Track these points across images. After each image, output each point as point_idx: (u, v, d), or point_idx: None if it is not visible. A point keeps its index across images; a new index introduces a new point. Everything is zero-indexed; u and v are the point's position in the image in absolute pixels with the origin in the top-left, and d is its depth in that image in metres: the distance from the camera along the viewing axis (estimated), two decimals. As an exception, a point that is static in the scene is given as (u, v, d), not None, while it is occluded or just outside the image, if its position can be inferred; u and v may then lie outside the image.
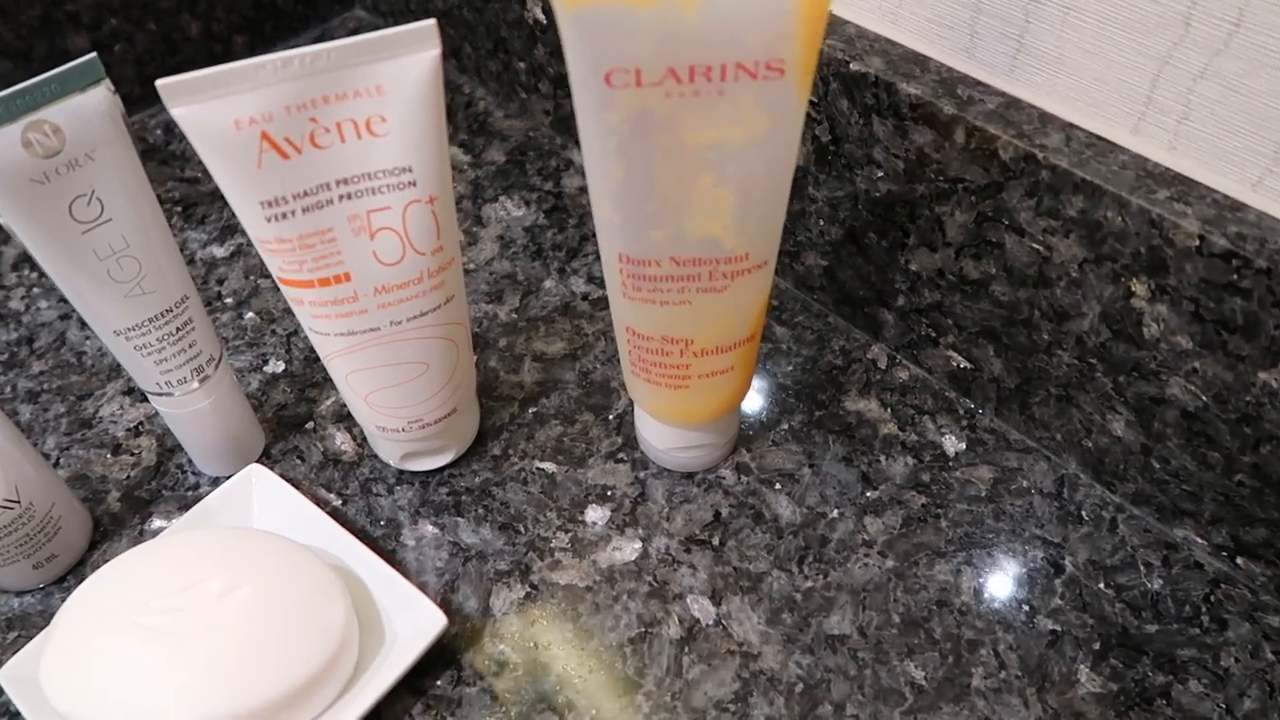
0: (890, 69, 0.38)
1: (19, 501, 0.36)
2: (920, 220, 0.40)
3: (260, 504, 0.39)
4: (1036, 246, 0.37)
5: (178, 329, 0.37)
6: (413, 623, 0.35)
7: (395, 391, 0.38)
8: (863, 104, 0.39)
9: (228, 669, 0.32)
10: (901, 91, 0.38)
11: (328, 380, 0.46)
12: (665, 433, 0.40)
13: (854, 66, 0.39)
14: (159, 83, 0.30)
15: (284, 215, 0.32)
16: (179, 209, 0.55)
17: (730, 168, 0.30)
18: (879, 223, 0.42)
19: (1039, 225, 0.36)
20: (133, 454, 0.44)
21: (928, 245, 0.41)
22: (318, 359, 0.47)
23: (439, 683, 0.36)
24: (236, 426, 0.41)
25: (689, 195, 0.30)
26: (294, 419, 0.45)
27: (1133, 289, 0.35)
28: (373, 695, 0.33)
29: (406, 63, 0.31)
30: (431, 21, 0.31)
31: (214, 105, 0.30)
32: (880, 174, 0.41)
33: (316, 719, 0.33)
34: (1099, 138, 0.35)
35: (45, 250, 0.33)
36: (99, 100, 0.32)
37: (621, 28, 0.27)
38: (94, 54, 0.31)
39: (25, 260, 0.52)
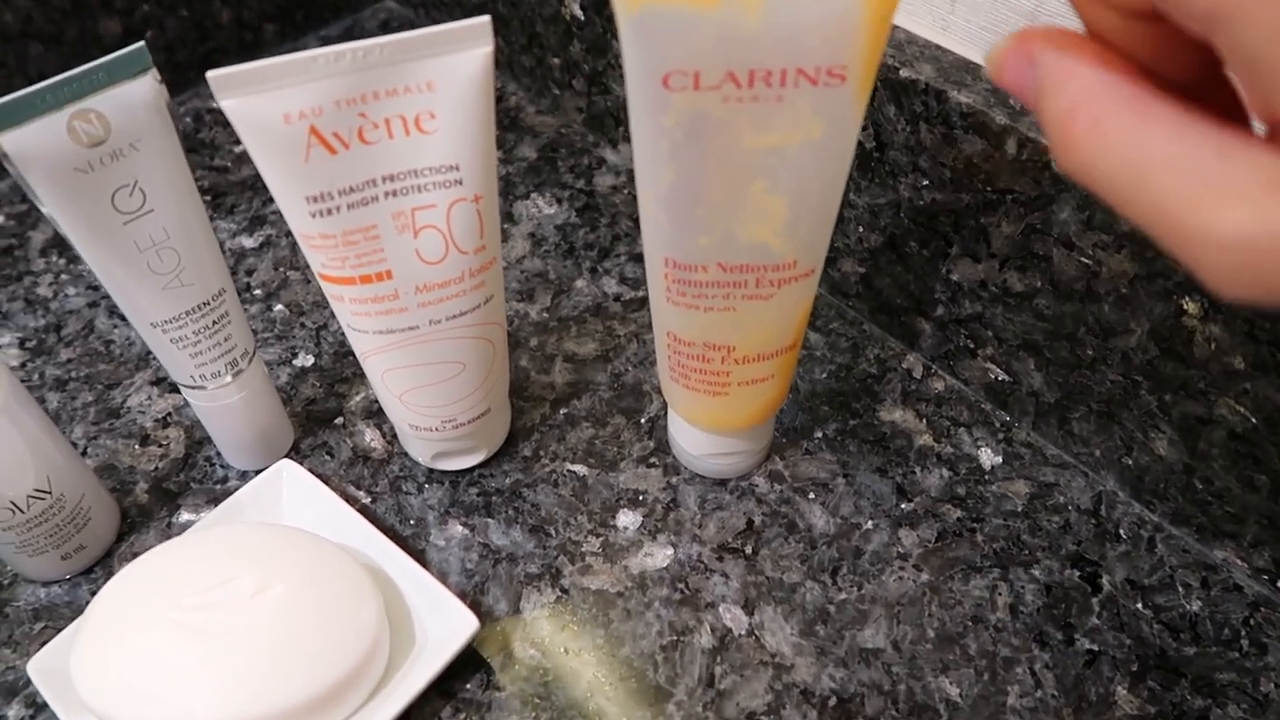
0: (941, 76, 0.38)
1: (50, 492, 0.36)
2: (965, 230, 0.40)
3: (290, 500, 0.39)
4: (1086, 261, 0.36)
5: (214, 322, 0.36)
6: (444, 624, 0.35)
7: (431, 390, 0.37)
8: (911, 111, 0.39)
9: (259, 669, 0.31)
10: (952, 100, 0.37)
11: (357, 376, 0.46)
12: (701, 439, 0.39)
13: (904, 73, 0.38)
14: (210, 74, 0.29)
15: (329, 211, 0.32)
16: (208, 199, 0.54)
17: (784, 174, 0.29)
18: (921, 231, 0.42)
19: (1089, 239, 0.36)
20: (161, 445, 0.43)
21: (971, 256, 0.40)
22: (347, 354, 0.47)
23: (468, 686, 0.35)
24: (267, 421, 0.41)
25: (740, 201, 0.30)
26: (323, 414, 0.44)
27: (1185, 307, 0.34)
28: (404, 698, 0.33)
29: (459, 59, 0.31)
30: (485, 18, 0.31)
31: (264, 98, 0.30)
32: (925, 182, 0.40)
33: (347, 719, 0.33)
34: (1154, 153, 0.34)
35: (86, 240, 0.32)
36: (145, 90, 0.31)
37: (682, 30, 0.26)
38: (141, 43, 0.31)
39: (54, 246, 0.52)
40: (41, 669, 0.34)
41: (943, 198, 0.40)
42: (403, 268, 0.33)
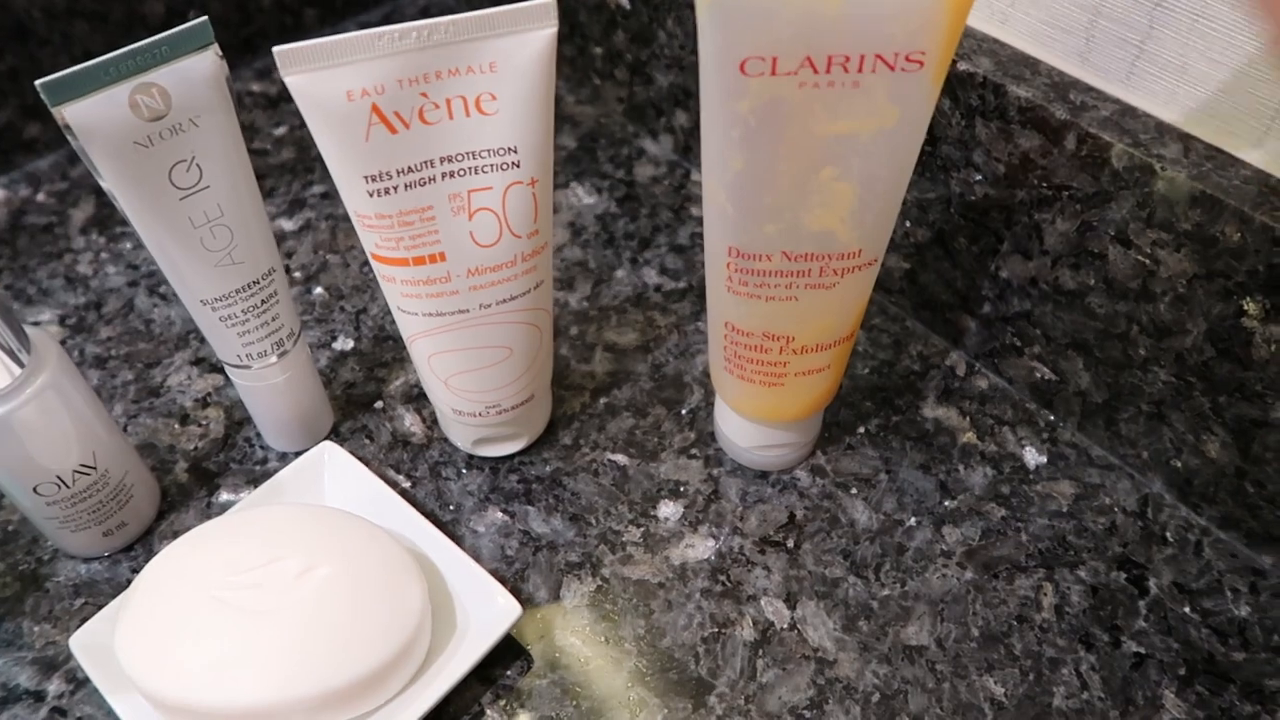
0: (999, 70, 0.37)
1: (95, 468, 0.36)
2: (1017, 227, 0.40)
3: (331, 482, 0.39)
4: (1143, 259, 0.36)
5: (263, 301, 0.36)
6: (486, 610, 0.35)
7: (477, 375, 0.37)
8: (967, 105, 0.38)
9: (304, 650, 0.31)
10: (1011, 94, 0.37)
11: (397, 360, 0.46)
12: (750, 430, 0.39)
13: (961, 66, 0.38)
14: (276, 50, 0.29)
15: (386, 191, 0.32)
16: (247, 180, 0.54)
17: (855, 160, 0.29)
18: (971, 227, 0.41)
19: (1148, 238, 0.35)
20: (200, 425, 0.43)
21: (1022, 252, 0.40)
22: (387, 338, 0.46)
23: (509, 672, 0.35)
24: (309, 403, 0.41)
25: (808, 188, 0.30)
26: (363, 398, 0.44)
27: (1245, 308, 0.34)
28: (446, 683, 0.33)
29: (522, 40, 0.30)
30: (551, 0, 0.30)
31: (328, 75, 0.29)
32: (978, 177, 0.40)
33: (389, 703, 0.33)
34: (1219, 150, 0.34)
35: (142, 214, 0.32)
36: (207, 65, 0.31)
37: (762, 15, 0.26)
38: (204, 18, 0.31)
39: (94, 225, 0.52)
40: (83, 644, 0.34)
41: (996, 193, 0.39)
42: (456, 250, 0.33)
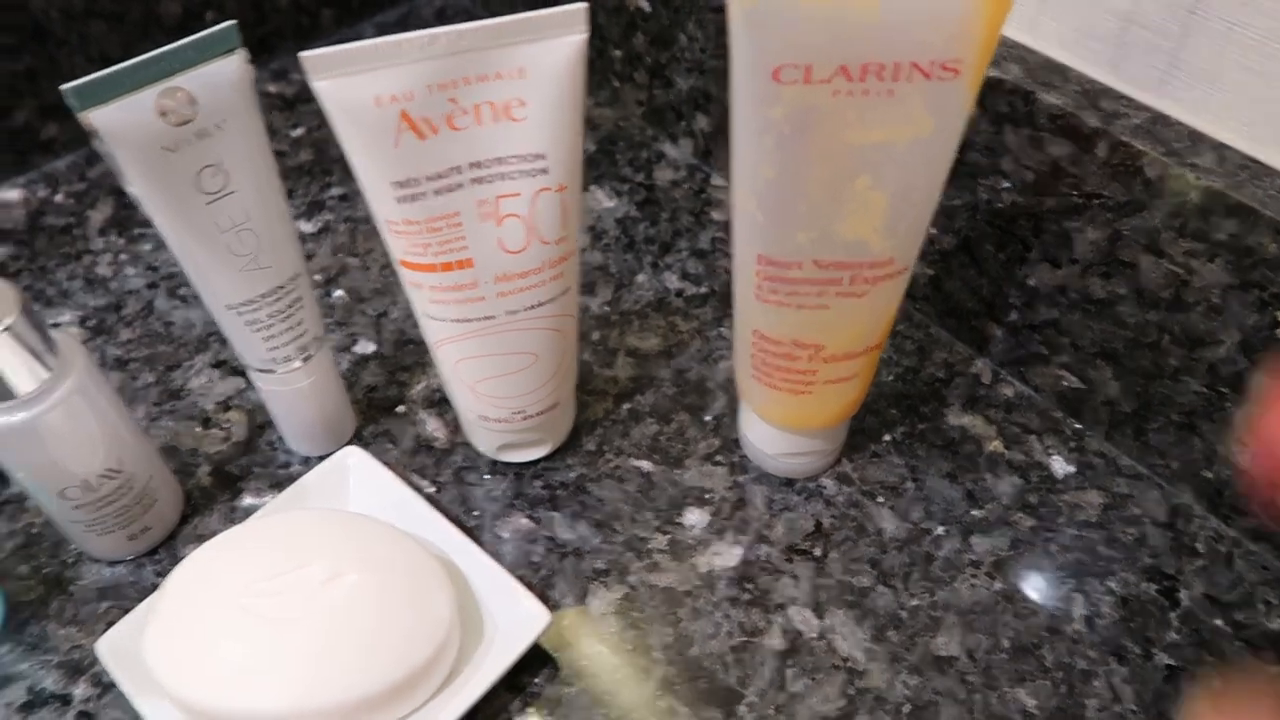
0: (1029, 77, 0.37)
1: (120, 471, 0.36)
2: (1046, 235, 0.39)
3: (356, 487, 0.39)
4: (1176, 269, 0.35)
5: (288, 306, 0.36)
6: (514, 616, 0.35)
7: (503, 381, 0.37)
8: (995, 112, 0.38)
9: (331, 658, 0.31)
10: (1041, 101, 0.36)
11: (419, 364, 0.45)
12: (777, 437, 0.39)
13: (990, 73, 0.37)
14: (304, 55, 0.29)
15: (415, 197, 0.31)
16: (266, 181, 0.54)
17: (889, 169, 0.29)
18: (998, 235, 0.41)
19: (1181, 247, 0.35)
20: (223, 428, 0.43)
21: (1051, 261, 0.40)
22: (408, 342, 0.46)
23: (536, 680, 0.35)
24: (332, 407, 0.41)
25: (841, 197, 0.29)
26: (384, 402, 0.44)
27: (1281, 318, 0.33)
28: (475, 691, 0.33)
29: (551, 46, 0.30)
30: (582, 5, 0.30)
31: (356, 80, 0.29)
32: (1006, 185, 0.39)
33: (417, 711, 0.33)
34: (1254, 160, 0.34)
35: (168, 219, 0.32)
36: (234, 69, 0.31)
37: (798, 22, 0.26)
38: (232, 22, 0.31)
39: (112, 226, 0.52)
40: (110, 648, 0.34)
41: (1024, 201, 0.39)
42: (484, 256, 0.33)
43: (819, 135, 0.28)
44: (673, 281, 0.49)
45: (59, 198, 0.54)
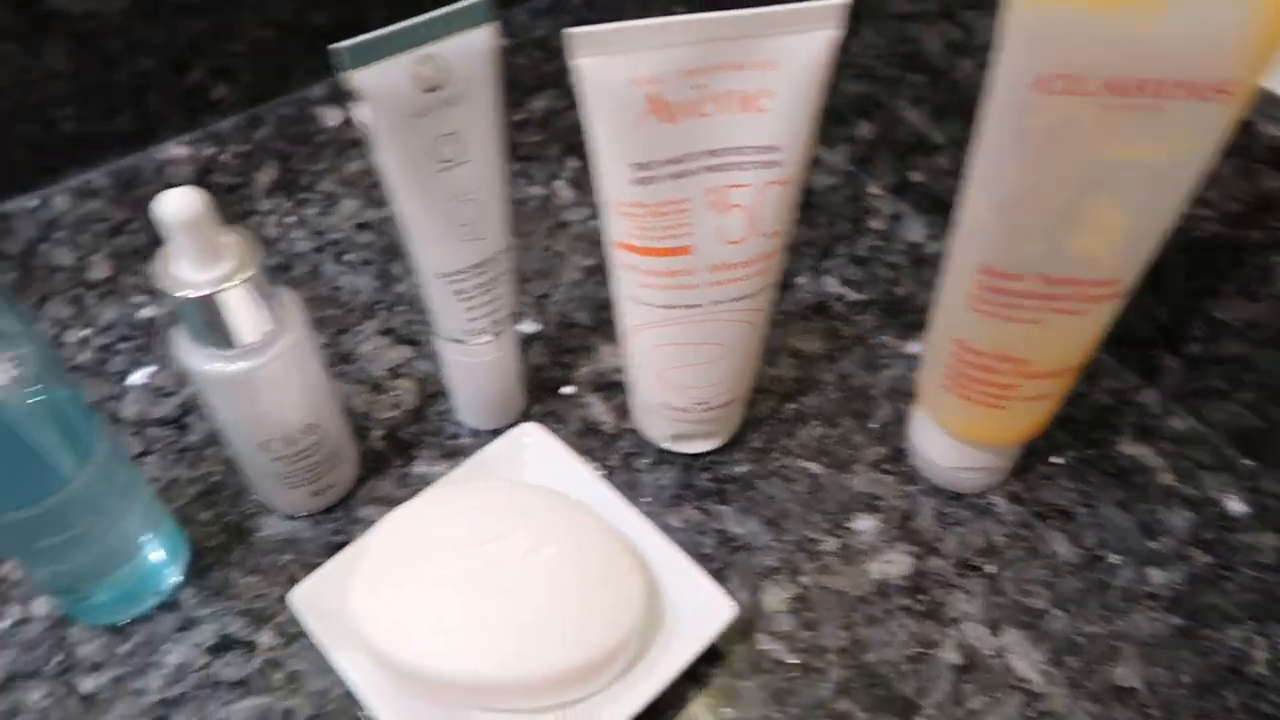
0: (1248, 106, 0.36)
1: (319, 427, 0.36)
2: (1245, 267, 0.38)
3: (533, 464, 0.39)
4: (1399, 312, 0.35)
5: (492, 279, 0.36)
6: (696, 607, 0.35)
7: (693, 370, 0.37)
8: (1212, 139, 0.37)
9: (535, 630, 0.31)
10: (1260, 132, 0.36)
11: (584, 347, 0.46)
12: (955, 450, 0.38)
13: (1214, 99, 0.37)
14: (571, 31, 0.29)
15: (649, 180, 0.32)
16: (428, 156, 0.55)
17: (1135, 187, 0.28)
18: (1190, 264, 0.40)
19: None
20: (393, 395, 0.44)
21: (1246, 294, 0.39)
22: (572, 324, 0.47)
23: (713, 672, 0.35)
24: (510, 384, 0.41)
25: (1082, 212, 0.29)
26: (550, 382, 0.44)
27: None
28: (661, 679, 0.33)
29: (804, 40, 0.30)
30: (840, 1, 0.30)
31: (615, 60, 0.29)
32: (1208, 214, 0.39)
33: (600, 693, 0.33)
34: None
35: (404, 184, 0.32)
36: (484, 40, 0.31)
37: (1074, 32, 0.26)
38: (489, -7, 0.31)
39: (279, 188, 0.53)
40: (303, 601, 0.34)
41: (1226, 232, 0.38)
42: (704, 244, 0.33)
43: (1074, 147, 0.28)
44: (833, 286, 0.49)
45: (225, 157, 0.55)
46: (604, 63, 0.29)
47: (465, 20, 0.31)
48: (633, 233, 0.33)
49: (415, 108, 0.31)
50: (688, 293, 0.34)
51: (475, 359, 0.39)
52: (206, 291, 0.31)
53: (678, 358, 0.37)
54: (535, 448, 0.39)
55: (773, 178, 0.32)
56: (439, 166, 0.32)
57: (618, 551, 0.34)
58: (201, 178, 0.53)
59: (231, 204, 0.52)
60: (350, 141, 0.55)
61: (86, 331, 0.47)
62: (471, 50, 0.31)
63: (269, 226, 0.51)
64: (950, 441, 0.38)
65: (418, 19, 0.30)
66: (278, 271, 0.49)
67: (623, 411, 0.43)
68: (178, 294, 0.31)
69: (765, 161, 0.32)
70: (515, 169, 0.54)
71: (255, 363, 0.33)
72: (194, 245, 0.30)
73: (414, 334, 0.46)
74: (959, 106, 0.47)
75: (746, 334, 0.37)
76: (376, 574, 0.32)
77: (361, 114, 0.30)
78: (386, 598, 0.32)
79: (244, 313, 0.32)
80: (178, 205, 0.29)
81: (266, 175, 0.53)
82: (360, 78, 0.29)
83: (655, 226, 0.33)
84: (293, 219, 0.51)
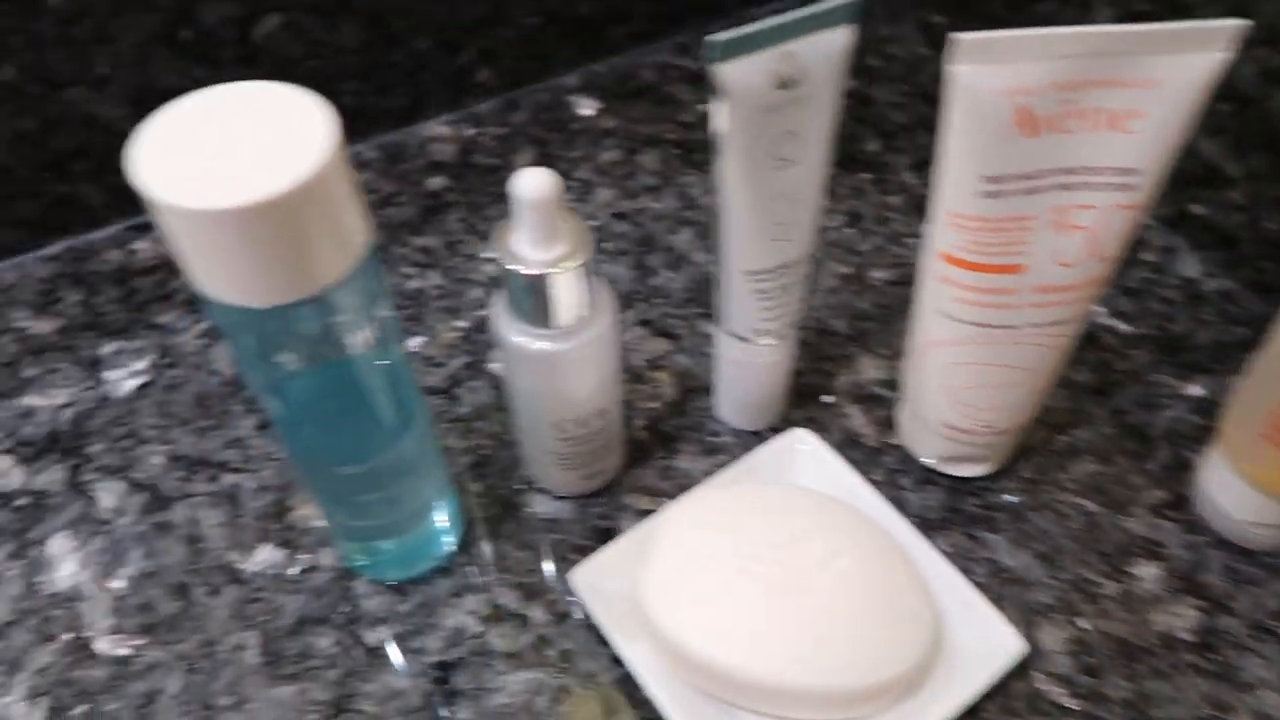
0: None
1: (607, 413, 0.37)
2: None
3: (804, 470, 0.38)
4: None
5: (793, 282, 0.36)
6: (981, 639, 0.34)
7: (989, 392, 0.36)
8: None
9: (827, 643, 0.31)
10: None
11: (842, 356, 0.45)
12: (1260, 505, 0.36)
13: None
14: (958, 36, 0.28)
15: (998, 194, 0.31)
16: (676, 151, 0.55)
17: None
18: None
19: None
20: (653, 387, 0.44)
21: None
22: (829, 331, 0.46)
23: (987, 705, 0.34)
24: (780, 388, 0.41)
25: None
26: (808, 389, 0.44)
27: None
28: (944, 711, 0.32)
29: (1189, 61, 0.29)
30: (1234, 22, 0.28)
31: (992, 70, 0.29)
32: None
33: (878, 717, 0.32)
34: None
35: (738, 178, 0.32)
36: (841, 42, 0.31)
37: None
38: (856, -7, 0.30)
39: (537, 172, 0.54)
40: (585, 582, 0.35)
41: None
42: (1036, 265, 0.32)
43: None
44: (1102, 317, 0.47)
45: (484, 139, 0.56)
46: (981, 71, 0.29)
47: (829, 19, 0.30)
48: (964, 246, 0.32)
49: (767, 103, 0.31)
50: (1006, 313, 0.33)
51: (754, 359, 0.39)
52: (540, 271, 0.31)
53: (975, 377, 0.36)
54: (808, 455, 0.39)
55: (1124, 201, 0.31)
56: (774, 164, 0.32)
57: (906, 571, 0.33)
58: (462, 157, 0.55)
59: (491, 185, 0.53)
60: (604, 131, 0.56)
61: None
62: (828, 50, 0.31)
63: (526, 209, 0.52)
64: (1252, 494, 0.36)
65: (785, 16, 0.30)
66: (536, 253, 0.49)
67: (885, 425, 0.42)
68: (512, 268, 0.31)
69: (1120, 184, 0.30)
70: (768, 170, 0.54)
71: (567, 345, 0.33)
72: (538, 225, 0.31)
73: (671, 327, 0.46)
74: (1268, 139, 0.44)
75: (1052, 360, 0.35)
76: (669, 564, 0.33)
77: (718, 108, 0.30)
78: (680, 589, 0.32)
79: (568, 296, 0.32)
80: (533, 184, 0.30)
81: (524, 159, 0.55)
82: (726, 70, 0.29)
83: (991, 242, 0.32)
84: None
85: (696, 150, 0.55)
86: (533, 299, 0.32)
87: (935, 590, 0.35)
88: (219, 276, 0.25)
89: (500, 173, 0.54)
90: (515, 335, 0.33)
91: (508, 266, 0.31)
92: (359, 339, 0.28)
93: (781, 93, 0.31)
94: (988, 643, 0.33)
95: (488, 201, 0.52)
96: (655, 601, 0.32)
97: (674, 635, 0.31)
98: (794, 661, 0.31)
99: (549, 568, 0.38)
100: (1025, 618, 0.36)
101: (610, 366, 0.35)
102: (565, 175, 0.54)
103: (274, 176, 0.23)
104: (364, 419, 0.30)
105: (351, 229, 0.26)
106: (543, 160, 0.54)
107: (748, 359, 0.39)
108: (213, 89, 0.25)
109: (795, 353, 0.40)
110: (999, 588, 0.37)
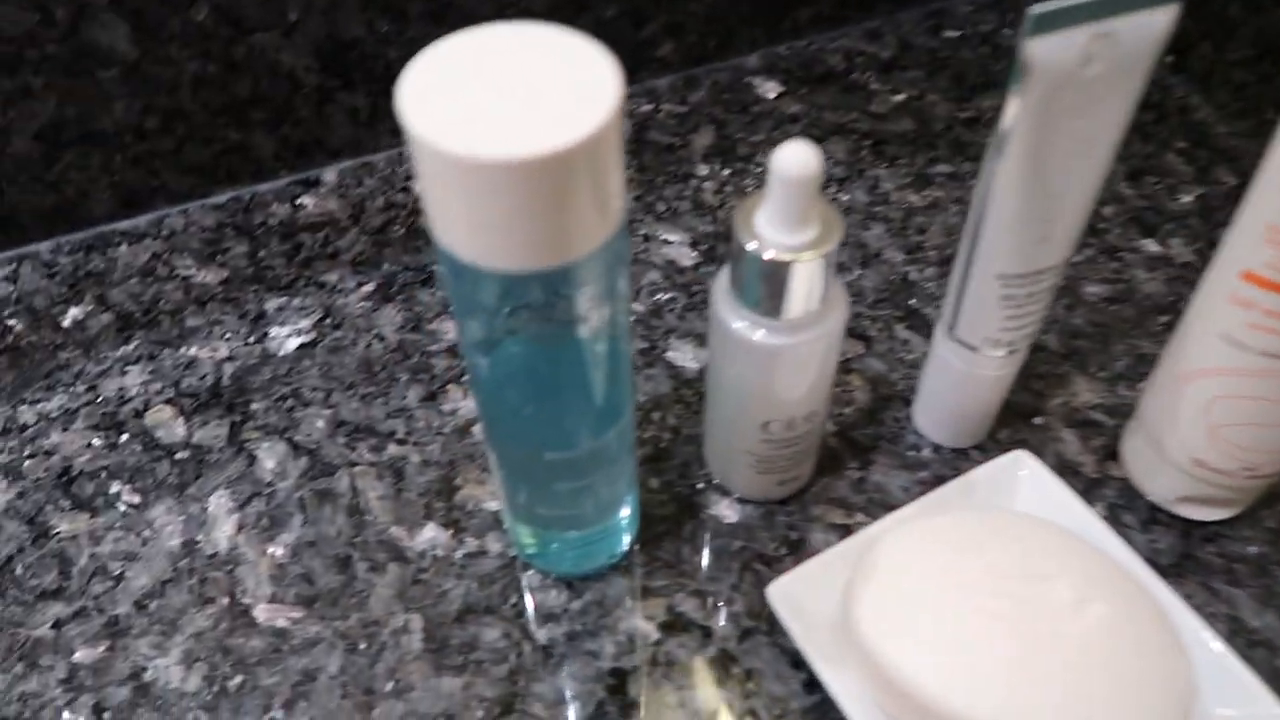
0: None
1: (815, 416, 0.34)
2: None
3: (1026, 499, 0.35)
4: None
5: (1045, 290, 0.32)
6: (1233, 706, 0.29)
7: (1261, 431, 0.32)
8: None
9: (1074, 700, 0.27)
10: None
11: (1053, 374, 0.41)
12: None
13: None
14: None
15: (1327, 207, 0.26)
16: (866, 143, 0.51)
17: None
18: None
19: None
20: (845, 391, 0.41)
21: None
22: (1040, 347, 0.42)
23: (1237, 785, 0.30)
24: (996, 404, 0.37)
25: None
26: (1017, 408, 0.40)
27: None
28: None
29: None
30: None
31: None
32: None
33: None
34: None
35: (1020, 169, 0.29)
36: (1160, 25, 0.27)
37: None
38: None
39: (715, 154, 0.51)
40: (781, 597, 0.32)
41: None
42: (1356, 291, 0.28)
43: None
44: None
45: (661, 115, 0.53)
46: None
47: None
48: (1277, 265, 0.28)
49: (1069, 84, 0.27)
50: (1304, 343, 0.29)
51: (977, 370, 0.35)
52: (784, 256, 0.28)
53: (1249, 414, 0.31)
54: (1030, 481, 0.35)
55: None
56: (1063, 156, 0.29)
57: (1162, 626, 0.29)
58: (639, 133, 0.52)
59: (669, 164, 0.50)
60: (789, 117, 0.53)
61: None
62: (1145, 33, 0.27)
63: (706, 192, 0.49)
64: None
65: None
66: (720, 240, 0.47)
67: (1104, 454, 0.38)
68: (752, 249, 0.28)
69: None
70: (965, 169, 0.50)
71: (794, 339, 0.30)
72: (792, 205, 0.27)
73: (863, 329, 0.43)
74: None
75: (1334, 401, 0.31)
76: (890, 588, 0.29)
77: (1016, 88, 0.27)
78: (905, 618, 0.29)
79: (805, 287, 0.29)
80: (797, 160, 0.27)
81: (703, 139, 0.52)
82: (1036, 44, 0.26)
83: (1307, 262, 0.28)
84: (730, 189, 0.49)
85: (889, 142, 0.51)
86: (767, 285, 0.29)
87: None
88: (469, 232, 0.22)
89: (678, 151, 0.51)
90: (737, 322, 0.31)
91: (748, 247, 0.28)
92: (596, 315, 0.25)
93: (1089, 72, 0.27)
94: (1244, 712, 0.29)
95: (664, 181, 0.50)
96: (872, 629, 0.29)
97: (897, 671, 0.28)
98: (1038, 715, 0.27)
99: (730, 577, 0.35)
100: (1276, 686, 0.32)
101: (831, 367, 0.32)
102: (747, 159, 0.51)
103: (556, 129, 0.20)
104: (583, 401, 0.28)
105: (615, 193, 0.23)
106: (723, 140, 0.52)
107: (970, 369, 0.35)
108: (485, 27, 0.23)
109: (1017, 366, 0.36)
110: (1245, 650, 0.33)
